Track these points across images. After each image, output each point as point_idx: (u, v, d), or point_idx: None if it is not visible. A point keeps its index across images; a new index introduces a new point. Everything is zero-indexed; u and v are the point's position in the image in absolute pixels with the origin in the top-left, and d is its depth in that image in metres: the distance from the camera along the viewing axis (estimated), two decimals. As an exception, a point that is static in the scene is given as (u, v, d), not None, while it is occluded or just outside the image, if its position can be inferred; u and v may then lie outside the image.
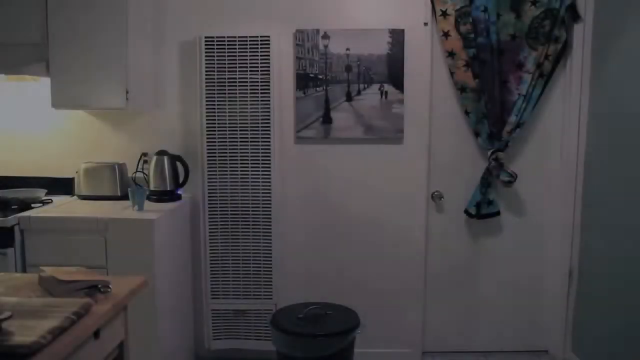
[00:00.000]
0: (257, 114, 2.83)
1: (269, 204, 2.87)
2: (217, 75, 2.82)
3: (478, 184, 2.90)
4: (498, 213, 2.95)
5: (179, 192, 2.86)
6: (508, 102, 2.83)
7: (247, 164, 2.86)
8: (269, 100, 2.82)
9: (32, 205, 2.65)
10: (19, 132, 3.01)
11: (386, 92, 2.89)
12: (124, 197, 2.81)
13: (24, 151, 3.01)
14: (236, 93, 2.82)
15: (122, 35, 2.54)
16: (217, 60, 2.81)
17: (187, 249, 2.93)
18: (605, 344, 2.65)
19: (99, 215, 2.48)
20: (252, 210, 2.88)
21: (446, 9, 2.79)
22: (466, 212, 2.95)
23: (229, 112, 2.84)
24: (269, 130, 2.84)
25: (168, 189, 2.81)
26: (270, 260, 2.90)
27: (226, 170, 2.87)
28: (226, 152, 2.86)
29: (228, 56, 2.80)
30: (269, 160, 2.85)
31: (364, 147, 2.94)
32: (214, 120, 2.85)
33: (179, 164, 2.85)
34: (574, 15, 2.78)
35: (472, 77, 2.80)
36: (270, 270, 2.91)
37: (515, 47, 2.80)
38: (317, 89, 2.90)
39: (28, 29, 2.57)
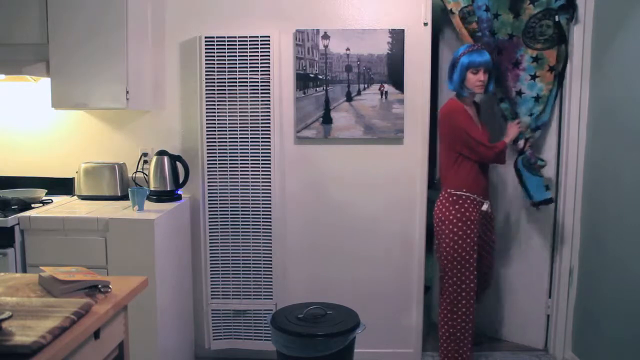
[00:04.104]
0: (257, 114, 2.84)
1: (269, 204, 2.88)
2: (217, 75, 2.82)
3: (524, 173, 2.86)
4: (550, 200, 2.89)
5: (179, 192, 2.86)
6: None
7: (247, 164, 2.87)
8: (269, 100, 2.82)
9: (32, 205, 2.65)
10: (19, 132, 3.01)
11: (386, 92, 2.89)
12: (124, 197, 2.81)
13: (24, 151, 3.01)
14: (236, 93, 2.83)
15: (122, 35, 2.54)
16: (217, 60, 2.81)
17: (187, 249, 2.93)
18: (605, 343, 2.65)
19: (99, 215, 2.48)
20: (252, 211, 2.88)
21: (451, 8, 2.80)
22: (540, 202, 2.86)
23: (229, 112, 2.84)
24: (269, 130, 2.84)
25: (168, 189, 2.81)
26: (270, 260, 2.90)
27: (226, 171, 2.87)
28: (226, 152, 2.86)
29: (228, 56, 2.80)
30: (269, 160, 2.86)
31: (364, 147, 2.94)
32: (214, 120, 2.85)
33: (179, 164, 2.85)
34: (568, 15, 2.77)
35: None
36: (270, 270, 2.91)
37: (512, 46, 2.80)
38: (317, 89, 2.90)
39: (28, 29, 2.57)
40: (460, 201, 2.65)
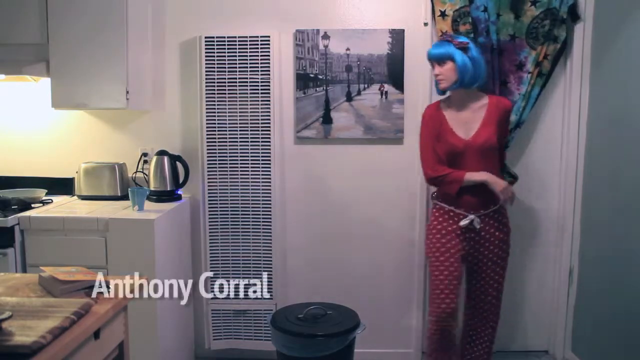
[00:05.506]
0: (257, 114, 2.84)
1: (269, 204, 2.87)
2: (217, 75, 2.82)
3: None
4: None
5: (179, 192, 2.86)
6: None
7: (247, 164, 2.87)
8: (269, 100, 2.82)
9: (32, 205, 2.65)
10: (19, 132, 3.01)
11: (386, 92, 2.89)
12: (124, 197, 2.81)
13: (24, 151, 3.00)
14: (236, 93, 2.83)
15: (122, 35, 2.54)
16: (217, 60, 2.81)
17: (187, 249, 2.93)
18: (605, 344, 2.65)
19: (99, 215, 2.48)
20: (252, 211, 2.88)
21: (445, 10, 2.79)
22: None
23: (229, 112, 2.84)
24: (269, 130, 2.84)
25: (168, 189, 2.81)
26: (271, 260, 2.90)
27: (226, 170, 2.87)
28: (226, 152, 2.86)
29: (228, 56, 2.80)
30: (269, 160, 2.86)
31: (364, 147, 2.94)
32: (214, 120, 2.85)
33: (179, 164, 2.85)
34: (573, 16, 2.78)
35: None
36: (271, 270, 2.91)
37: (514, 47, 2.80)
38: (317, 89, 2.90)
39: (28, 29, 2.57)
40: (434, 210, 2.54)
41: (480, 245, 2.47)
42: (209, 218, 2.89)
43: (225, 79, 2.82)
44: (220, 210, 2.89)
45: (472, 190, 2.40)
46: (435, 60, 2.42)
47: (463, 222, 2.42)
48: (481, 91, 2.50)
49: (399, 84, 2.88)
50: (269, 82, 2.81)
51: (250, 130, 2.85)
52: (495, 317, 2.58)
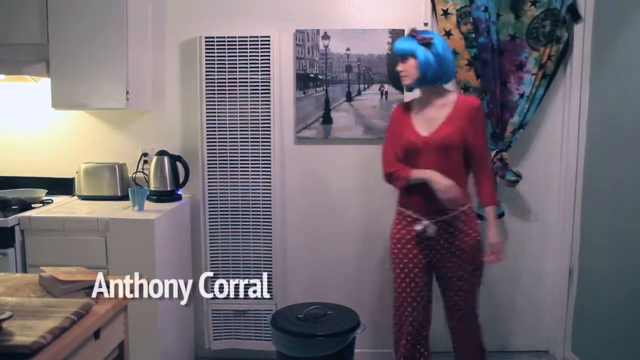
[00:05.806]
0: (257, 114, 2.84)
1: (269, 204, 2.88)
2: (217, 75, 2.82)
3: None
4: (502, 214, 2.90)
5: (179, 192, 2.86)
6: (508, 103, 2.83)
7: (247, 164, 2.87)
8: (269, 101, 2.82)
9: (32, 205, 2.65)
10: (19, 132, 3.01)
11: (386, 92, 2.89)
12: (124, 197, 2.81)
13: (24, 151, 3.00)
14: (236, 93, 2.83)
15: (122, 35, 2.54)
16: (217, 60, 2.81)
17: (187, 249, 2.93)
18: (605, 344, 2.65)
19: (99, 215, 2.48)
20: (252, 211, 2.88)
21: (447, 9, 2.79)
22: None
23: (229, 112, 2.84)
24: (269, 131, 2.84)
25: (168, 189, 2.81)
26: (271, 260, 2.90)
27: (226, 171, 2.87)
28: (226, 152, 2.86)
29: (228, 56, 2.80)
30: (269, 160, 2.86)
31: (364, 147, 2.94)
32: (214, 120, 2.85)
33: (179, 164, 2.85)
34: (574, 15, 2.78)
35: (474, 76, 2.80)
36: (271, 270, 2.91)
37: (515, 48, 2.80)
38: (317, 89, 2.90)
39: (28, 29, 2.57)
40: (395, 215, 2.36)
41: (442, 255, 2.26)
42: (209, 218, 2.89)
43: (225, 79, 2.82)
44: (220, 210, 2.89)
45: (421, 191, 2.19)
46: (399, 55, 2.30)
47: (417, 227, 2.23)
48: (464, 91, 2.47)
49: (399, 84, 2.87)
50: (269, 82, 2.81)
51: (250, 130, 2.85)
52: (476, 330, 2.41)
